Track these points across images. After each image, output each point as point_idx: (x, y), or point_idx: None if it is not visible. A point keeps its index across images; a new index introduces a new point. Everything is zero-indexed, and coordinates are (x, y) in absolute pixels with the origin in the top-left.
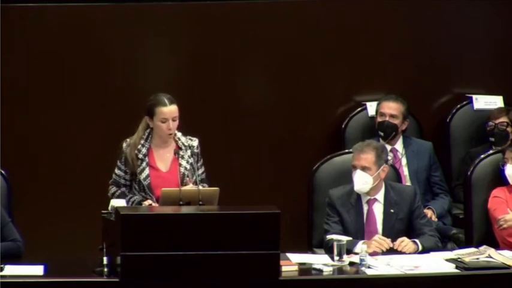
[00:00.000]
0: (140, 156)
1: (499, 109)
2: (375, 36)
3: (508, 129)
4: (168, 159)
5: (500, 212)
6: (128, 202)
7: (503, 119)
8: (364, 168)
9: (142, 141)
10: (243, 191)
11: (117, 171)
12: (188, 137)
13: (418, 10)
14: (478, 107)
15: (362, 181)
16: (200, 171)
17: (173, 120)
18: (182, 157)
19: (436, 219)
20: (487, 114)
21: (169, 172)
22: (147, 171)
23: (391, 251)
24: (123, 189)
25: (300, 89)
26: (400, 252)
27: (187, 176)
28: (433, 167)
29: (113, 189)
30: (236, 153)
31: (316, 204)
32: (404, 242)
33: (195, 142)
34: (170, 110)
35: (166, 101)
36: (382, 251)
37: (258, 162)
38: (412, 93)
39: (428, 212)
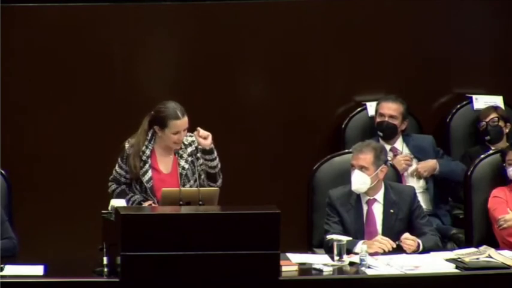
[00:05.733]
0: (144, 157)
1: (486, 107)
2: (374, 36)
3: (500, 123)
4: (170, 161)
5: (500, 212)
6: (128, 201)
7: (493, 115)
8: (362, 168)
9: (146, 143)
10: (243, 191)
11: (118, 169)
12: (188, 134)
13: (418, 10)
14: (478, 107)
15: (359, 181)
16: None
17: (184, 131)
18: (181, 156)
19: (433, 168)
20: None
21: (170, 174)
22: (149, 173)
23: (392, 250)
24: (123, 186)
25: (299, 89)
26: (400, 252)
27: (187, 176)
28: (439, 157)
29: (113, 186)
30: (236, 153)
31: (316, 204)
32: (409, 241)
33: (194, 138)
34: (183, 122)
35: (179, 114)
36: (384, 251)
37: (258, 162)
38: (412, 93)
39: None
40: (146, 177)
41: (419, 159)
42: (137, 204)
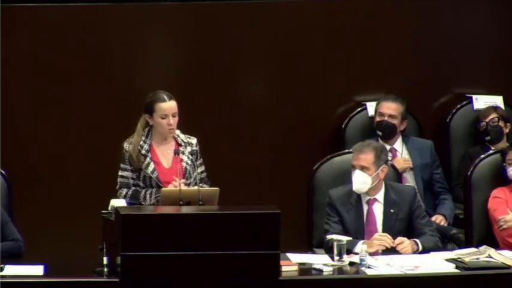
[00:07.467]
0: (143, 152)
1: (486, 108)
2: (374, 36)
3: (500, 123)
4: (170, 156)
5: (500, 213)
6: (145, 196)
7: (493, 115)
8: (362, 168)
9: (143, 138)
10: (243, 191)
11: (123, 173)
12: (187, 135)
13: (418, 10)
14: (478, 107)
15: (360, 181)
16: (200, 170)
17: (173, 116)
18: (183, 153)
19: (446, 223)
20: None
21: (171, 168)
22: (152, 165)
23: (391, 250)
24: (133, 188)
25: (299, 89)
26: (400, 252)
27: (189, 172)
28: (435, 165)
29: (123, 191)
30: (236, 153)
31: (316, 204)
32: (403, 244)
33: (193, 140)
34: (170, 105)
35: (165, 97)
36: (386, 247)
37: (258, 162)
38: (412, 93)
39: (439, 218)
40: (150, 169)
41: (417, 159)
42: (155, 194)
